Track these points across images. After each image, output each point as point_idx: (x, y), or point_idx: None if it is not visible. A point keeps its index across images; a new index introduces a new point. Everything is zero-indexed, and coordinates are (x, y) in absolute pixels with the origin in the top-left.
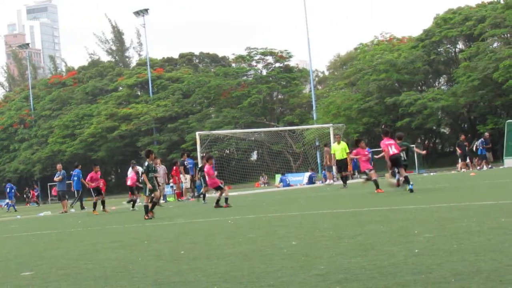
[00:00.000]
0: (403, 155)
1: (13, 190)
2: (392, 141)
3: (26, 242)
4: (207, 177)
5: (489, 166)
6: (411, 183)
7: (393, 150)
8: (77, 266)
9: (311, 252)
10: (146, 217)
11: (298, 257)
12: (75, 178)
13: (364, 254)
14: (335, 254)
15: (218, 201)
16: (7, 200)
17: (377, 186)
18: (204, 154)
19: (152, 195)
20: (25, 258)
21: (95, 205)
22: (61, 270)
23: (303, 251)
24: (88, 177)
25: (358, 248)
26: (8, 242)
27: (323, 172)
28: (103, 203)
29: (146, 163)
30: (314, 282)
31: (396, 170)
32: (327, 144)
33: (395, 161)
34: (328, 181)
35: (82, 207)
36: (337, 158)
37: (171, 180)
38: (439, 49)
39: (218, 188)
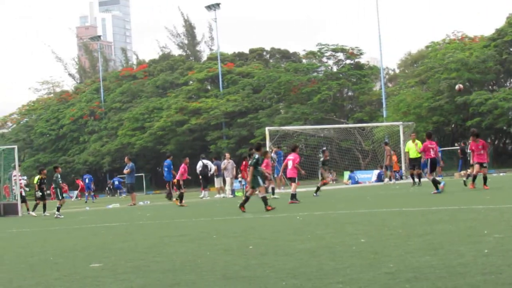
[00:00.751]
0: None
1: (91, 182)
2: (434, 144)
3: (95, 234)
4: (290, 166)
5: None
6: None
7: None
8: (146, 259)
9: (380, 250)
10: (269, 208)
11: (367, 254)
12: (166, 169)
13: (433, 253)
14: (404, 252)
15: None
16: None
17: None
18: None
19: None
20: (94, 250)
21: (182, 196)
22: (130, 263)
23: (372, 248)
24: (182, 169)
25: (427, 247)
26: (77, 234)
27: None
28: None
29: (256, 156)
30: (383, 280)
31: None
32: (388, 143)
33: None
34: (386, 180)
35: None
36: (410, 156)
37: (239, 175)
38: (511, 49)
39: (293, 180)
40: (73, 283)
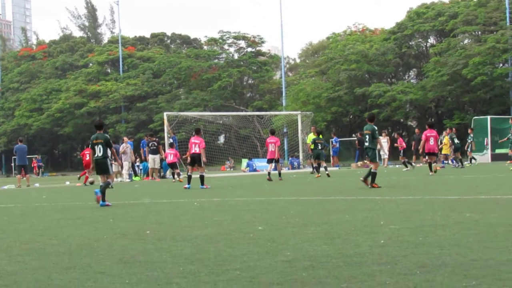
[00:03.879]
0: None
1: None
2: (434, 133)
3: None
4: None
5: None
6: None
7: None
8: (41, 241)
9: (277, 238)
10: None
11: (264, 242)
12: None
13: (330, 242)
14: (301, 241)
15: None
16: None
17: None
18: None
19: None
20: None
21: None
22: (25, 245)
23: (269, 236)
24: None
25: (324, 236)
26: None
27: (289, 159)
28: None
29: None
30: (280, 268)
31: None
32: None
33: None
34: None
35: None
36: (312, 148)
37: (137, 160)
38: (410, 43)
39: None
40: None
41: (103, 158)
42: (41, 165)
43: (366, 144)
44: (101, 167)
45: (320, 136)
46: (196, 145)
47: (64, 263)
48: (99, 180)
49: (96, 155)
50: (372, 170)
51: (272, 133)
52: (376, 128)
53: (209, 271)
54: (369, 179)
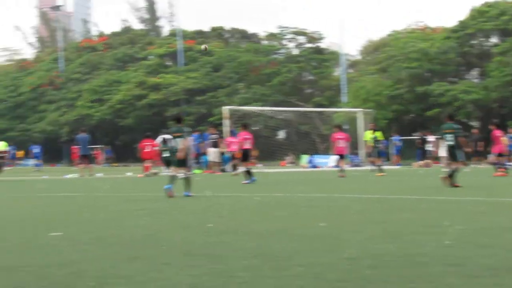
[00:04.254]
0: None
1: (40, 151)
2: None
3: (54, 203)
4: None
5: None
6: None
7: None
8: (105, 231)
9: (339, 235)
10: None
11: (327, 239)
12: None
13: (393, 241)
14: (363, 238)
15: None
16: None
17: None
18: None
19: None
20: (53, 219)
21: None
22: (90, 234)
23: (332, 233)
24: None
25: (387, 235)
26: (35, 202)
27: (350, 156)
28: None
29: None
30: (344, 265)
31: None
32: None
33: None
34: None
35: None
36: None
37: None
38: (472, 42)
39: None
40: (33, 249)
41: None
42: (110, 156)
43: (450, 143)
44: (181, 160)
45: (376, 134)
46: (248, 141)
47: (127, 253)
48: (163, 171)
49: (174, 148)
50: (454, 169)
51: (340, 128)
52: (459, 126)
53: (272, 266)
54: (453, 178)
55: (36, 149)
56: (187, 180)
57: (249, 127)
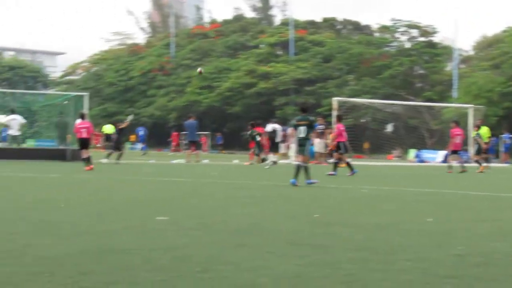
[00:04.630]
0: None
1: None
2: None
3: (160, 188)
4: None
5: None
6: None
7: None
8: (212, 218)
9: (447, 231)
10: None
11: (435, 234)
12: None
13: (503, 239)
14: (473, 236)
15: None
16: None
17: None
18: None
19: None
20: (160, 203)
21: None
22: (196, 220)
23: (440, 229)
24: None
25: (497, 233)
26: (142, 186)
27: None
28: None
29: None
30: (452, 261)
31: None
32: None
33: None
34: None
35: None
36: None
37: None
38: None
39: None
40: (140, 234)
41: (305, 139)
42: (219, 143)
43: None
44: (303, 147)
45: (479, 132)
46: (342, 133)
47: (234, 240)
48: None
49: (299, 136)
50: None
51: (457, 124)
52: None
53: (379, 259)
54: None
55: (141, 131)
56: (305, 169)
57: (343, 119)
